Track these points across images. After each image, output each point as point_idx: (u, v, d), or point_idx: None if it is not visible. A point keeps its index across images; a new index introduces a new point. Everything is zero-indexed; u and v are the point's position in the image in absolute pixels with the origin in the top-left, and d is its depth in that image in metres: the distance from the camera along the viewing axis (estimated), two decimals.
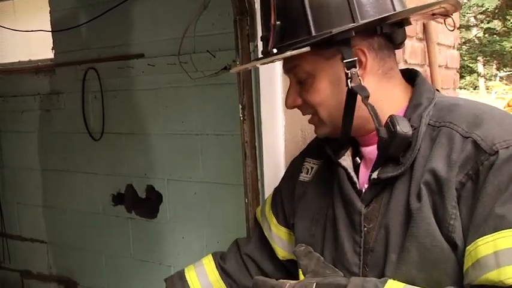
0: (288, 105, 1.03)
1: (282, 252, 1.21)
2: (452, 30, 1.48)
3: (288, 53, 0.92)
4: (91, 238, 3.14)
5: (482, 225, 0.82)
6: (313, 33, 0.92)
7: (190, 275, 1.30)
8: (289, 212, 1.16)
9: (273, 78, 1.70)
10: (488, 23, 13.94)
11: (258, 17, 1.74)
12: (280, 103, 1.72)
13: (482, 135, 0.86)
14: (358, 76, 0.92)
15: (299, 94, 1.00)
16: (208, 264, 1.30)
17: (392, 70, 0.99)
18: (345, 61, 0.92)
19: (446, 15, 1.00)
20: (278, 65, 1.73)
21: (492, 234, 0.80)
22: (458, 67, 2.48)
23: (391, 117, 0.91)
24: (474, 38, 14.87)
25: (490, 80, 19.97)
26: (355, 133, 1.01)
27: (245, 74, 1.91)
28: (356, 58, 0.92)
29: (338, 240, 0.98)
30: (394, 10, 0.94)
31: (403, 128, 0.89)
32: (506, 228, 0.79)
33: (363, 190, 0.98)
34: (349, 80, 0.91)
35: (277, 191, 1.25)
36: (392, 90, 0.99)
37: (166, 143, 2.77)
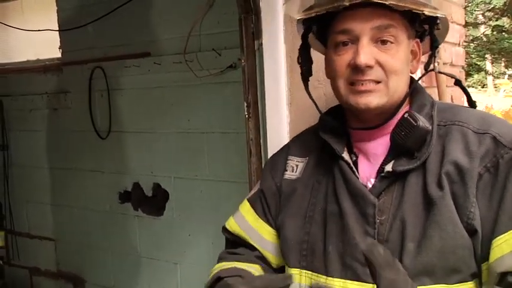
0: (364, 61, 0.94)
1: (275, 259, 1.16)
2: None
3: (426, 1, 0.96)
4: (98, 236, 3.17)
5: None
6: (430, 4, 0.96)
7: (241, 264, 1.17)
8: (274, 212, 1.14)
9: (277, 76, 1.71)
10: (496, 20, 13.81)
11: (262, 15, 1.75)
12: (284, 100, 1.73)
13: (499, 131, 0.92)
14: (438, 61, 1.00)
15: (374, 55, 0.95)
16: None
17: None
18: (436, 44, 1.00)
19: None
20: (283, 61, 1.73)
21: None
22: (464, 65, 2.48)
23: (409, 112, 0.96)
24: (482, 35, 14.74)
25: (498, 78, 19.83)
26: (368, 123, 1.02)
27: (250, 72, 1.92)
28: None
29: (348, 233, 0.98)
30: None
31: (425, 122, 0.94)
32: None
33: (369, 184, 0.99)
34: (436, 62, 1.00)
35: (257, 198, 1.18)
36: (406, 87, 1.02)
37: (173, 141, 2.79)
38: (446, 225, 0.89)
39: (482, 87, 22.83)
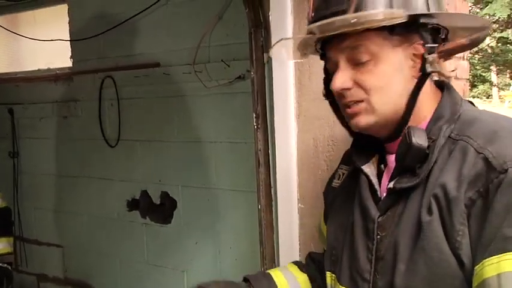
0: (337, 86, 0.95)
1: None
2: None
3: (382, 11, 0.89)
4: (106, 243, 3.20)
5: (489, 246, 0.82)
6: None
7: (276, 274, 1.25)
8: (326, 217, 1.21)
9: (286, 88, 1.75)
10: (501, 32, 13.87)
11: (272, 29, 1.80)
12: (293, 112, 1.77)
13: (494, 152, 0.85)
14: (436, 62, 0.93)
15: (351, 77, 0.94)
16: (292, 266, 1.30)
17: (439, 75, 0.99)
18: (428, 45, 0.92)
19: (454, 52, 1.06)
20: (291, 74, 1.77)
21: (498, 256, 0.80)
22: (468, 77, 2.51)
23: (408, 128, 0.93)
24: (487, 47, 14.78)
25: (503, 89, 19.83)
26: (387, 135, 1.00)
27: (259, 84, 1.96)
28: (438, 44, 0.93)
29: (354, 246, 1.01)
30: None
31: (419, 140, 0.91)
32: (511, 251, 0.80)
33: (382, 198, 1.00)
34: (428, 66, 0.92)
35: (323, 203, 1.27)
36: (428, 97, 0.98)
37: (181, 150, 2.83)
38: (432, 252, 0.87)
39: (488, 97, 22.82)
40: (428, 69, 0.92)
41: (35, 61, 3.60)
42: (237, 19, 2.39)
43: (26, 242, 3.66)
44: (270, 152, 1.98)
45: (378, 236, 0.96)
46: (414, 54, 0.94)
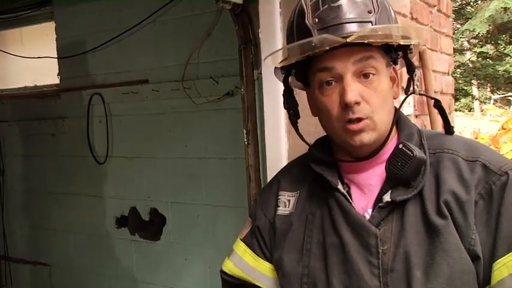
0: (353, 99, 0.95)
1: None
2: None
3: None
4: (94, 260, 3.17)
5: (508, 242, 0.92)
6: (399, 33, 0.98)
7: None
8: (270, 249, 1.14)
9: (276, 104, 1.78)
10: (481, 47, 14.18)
11: (262, 46, 1.83)
12: (283, 128, 1.79)
13: (488, 159, 0.96)
14: (417, 84, 1.02)
15: (360, 91, 0.96)
16: None
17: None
18: (413, 69, 1.01)
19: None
20: (282, 90, 1.80)
21: None
22: (453, 92, 2.57)
23: (403, 143, 0.98)
24: (468, 61, 15.09)
25: (485, 103, 20.20)
26: (358, 155, 1.02)
27: (249, 100, 1.99)
28: (419, 68, 1.04)
29: (351, 265, 0.98)
30: None
31: (420, 152, 0.96)
32: None
33: (366, 215, 1.00)
34: (416, 86, 1.01)
35: (253, 236, 1.17)
36: (392, 116, 1.03)
37: (170, 166, 2.83)
38: (453, 252, 0.92)
39: (469, 111, 23.20)
40: (417, 89, 1.01)
41: (21, 79, 3.58)
42: (226, 36, 2.42)
43: (12, 261, 3.61)
44: (260, 167, 2.00)
45: (380, 250, 0.96)
46: (390, 77, 1.02)
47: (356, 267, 0.98)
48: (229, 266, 1.20)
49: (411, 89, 1.02)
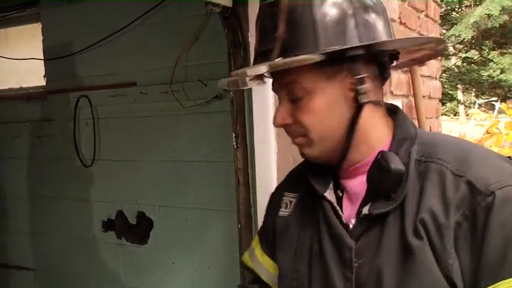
0: (277, 123, 0.98)
1: None
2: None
3: (296, 58, 0.89)
4: (81, 265, 3.13)
5: (499, 267, 0.83)
6: (321, 48, 0.90)
7: None
8: (274, 247, 1.15)
9: (265, 108, 1.78)
10: (466, 52, 14.33)
11: (251, 49, 1.83)
12: (272, 131, 1.79)
13: (475, 175, 0.87)
14: (369, 91, 0.93)
15: (290, 113, 0.96)
16: None
17: (381, 102, 1.01)
18: (357, 77, 0.92)
19: (423, 60, 1.08)
20: (271, 94, 1.80)
21: (508, 280, 0.82)
22: (441, 97, 2.59)
23: (382, 153, 0.92)
24: (453, 66, 15.25)
25: (470, 107, 20.44)
26: (337, 162, 0.99)
27: (238, 103, 1.98)
28: (367, 74, 0.93)
29: (328, 276, 0.97)
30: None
31: (397, 165, 0.90)
32: None
33: (350, 225, 0.97)
34: (361, 96, 0.93)
35: (262, 232, 1.21)
36: (380, 122, 0.99)
37: (158, 169, 2.81)
38: (427, 276, 0.86)
39: (455, 115, 23.46)
40: (362, 100, 0.93)
41: (6, 80, 3.54)
42: (214, 39, 2.41)
43: None
44: (249, 171, 2.00)
45: (356, 264, 0.93)
46: (352, 84, 0.94)
47: (332, 278, 0.96)
48: (245, 256, 1.26)
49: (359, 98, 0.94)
